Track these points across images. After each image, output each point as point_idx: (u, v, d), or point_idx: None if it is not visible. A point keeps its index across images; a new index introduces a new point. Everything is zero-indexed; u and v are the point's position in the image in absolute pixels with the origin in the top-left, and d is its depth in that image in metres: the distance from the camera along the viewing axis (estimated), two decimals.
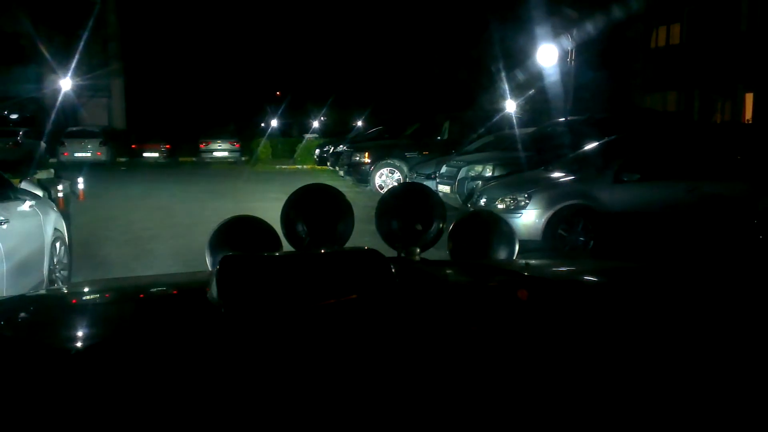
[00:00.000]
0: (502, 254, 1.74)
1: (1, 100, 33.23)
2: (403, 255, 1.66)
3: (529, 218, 8.18)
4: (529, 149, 11.31)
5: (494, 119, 16.20)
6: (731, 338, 1.09)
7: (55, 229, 6.02)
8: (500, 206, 8.44)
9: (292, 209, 1.69)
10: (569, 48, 16.30)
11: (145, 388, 0.89)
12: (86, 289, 1.73)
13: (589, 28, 18.88)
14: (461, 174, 11.31)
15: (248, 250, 1.54)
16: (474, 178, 10.94)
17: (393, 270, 1.16)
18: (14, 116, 29.95)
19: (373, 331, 1.06)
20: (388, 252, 1.39)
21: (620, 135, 9.35)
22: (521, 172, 9.62)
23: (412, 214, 1.73)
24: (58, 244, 6.08)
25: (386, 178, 16.14)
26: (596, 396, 0.87)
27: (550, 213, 8.14)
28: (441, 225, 1.75)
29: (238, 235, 1.64)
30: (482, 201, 8.92)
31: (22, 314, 1.35)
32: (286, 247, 1.66)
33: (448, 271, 1.59)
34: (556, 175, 8.93)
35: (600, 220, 8.09)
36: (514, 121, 16.13)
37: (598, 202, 8.16)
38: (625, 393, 0.88)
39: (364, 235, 1.71)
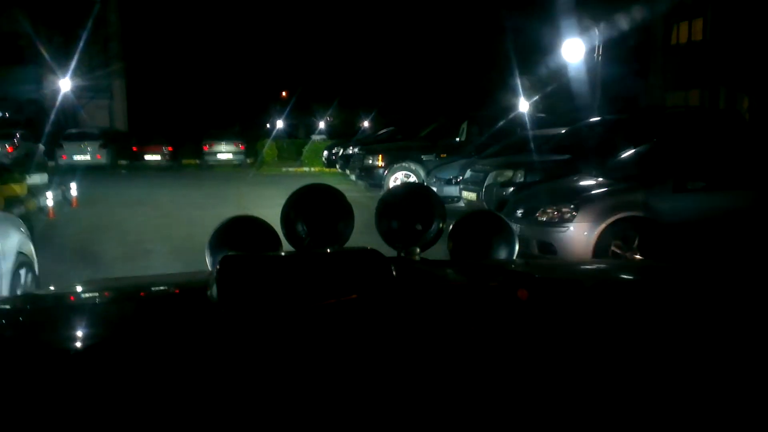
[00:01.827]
0: (502, 254, 1.72)
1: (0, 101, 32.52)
2: (403, 255, 1.64)
3: (577, 233, 7.07)
4: (563, 151, 10.22)
5: (515, 119, 15.11)
6: (735, 342, 1.05)
7: (19, 253, 4.95)
8: (541, 218, 7.35)
9: (292, 209, 1.68)
10: (595, 43, 15.17)
11: (145, 388, 0.88)
12: (85, 289, 1.67)
13: (609, 27, 17.73)
14: (489, 180, 10.18)
15: (248, 250, 1.52)
16: (504, 185, 9.84)
17: (393, 270, 1.14)
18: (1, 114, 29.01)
19: (372, 331, 1.05)
20: (388, 252, 1.35)
21: (679, 135, 8.24)
22: (560, 179, 8.49)
23: (412, 213, 1.71)
24: (22, 272, 5.02)
25: (401, 182, 15.04)
26: (596, 396, 0.86)
27: (602, 226, 7.03)
28: (441, 225, 1.74)
29: (238, 235, 1.62)
30: (518, 212, 7.83)
31: (22, 314, 1.33)
32: (286, 247, 1.63)
33: (448, 271, 1.56)
34: (603, 182, 7.81)
35: (660, 235, 6.97)
36: (539, 121, 15.10)
37: (657, 214, 7.04)
38: (625, 394, 0.87)
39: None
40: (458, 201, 12.06)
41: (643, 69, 27.21)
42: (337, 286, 1.09)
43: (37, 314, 1.34)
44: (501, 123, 14.80)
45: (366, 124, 34.95)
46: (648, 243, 7.02)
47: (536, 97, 17.36)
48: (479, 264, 1.60)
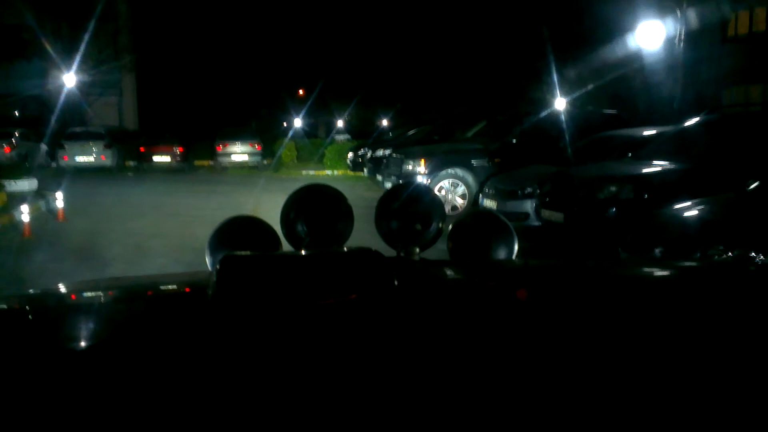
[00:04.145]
0: (502, 254, 1.66)
1: (2, 97, 30.60)
2: (402, 255, 1.62)
3: None
4: (669, 159, 7.83)
5: (581, 118, 12.71)
6: (736, 345, 1.03)
7: None
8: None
9: (291, 209, 1.64)
10: (677, 28, 12.68)
11: (146, 388, 0.87)
12: (85, 288, 1.60)
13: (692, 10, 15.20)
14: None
15: (248, 250, 1.47)
16: (607, 203, 7.44)
17: (393, 270, 1.14)
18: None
19: (372, 331, 1.04)
20: (388, 252, 1.32)
21: None
22: (703, 200, 6.07)
23: (412, 213, 1.67)
24: None
25: (448, 193, 12.58)
26: (596, 397, 0.85)
27: None
28: (441, 225, 1.70)
29: (238, 235, 1.58)
30: (657, 251, 5.44)
31: (21, 313, 1.29)
32: (286, 247, 1.59)
33: (447, 271, 1.54)
34: None
35: None
36: (611, 119, 12.73)
37: None
38: (625, 394, 0.86)
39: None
40: (526, 219, 9.68)
41: (697, 62, 24.74)
42: (336, 286, 1.09)
43: (36, 314, 1.28)
44: (561, 122, 12.44)
45: (385, 122, 32.68)
46: None
47: (604, 85, 14.79)
48: (479, 264, 1.58)
